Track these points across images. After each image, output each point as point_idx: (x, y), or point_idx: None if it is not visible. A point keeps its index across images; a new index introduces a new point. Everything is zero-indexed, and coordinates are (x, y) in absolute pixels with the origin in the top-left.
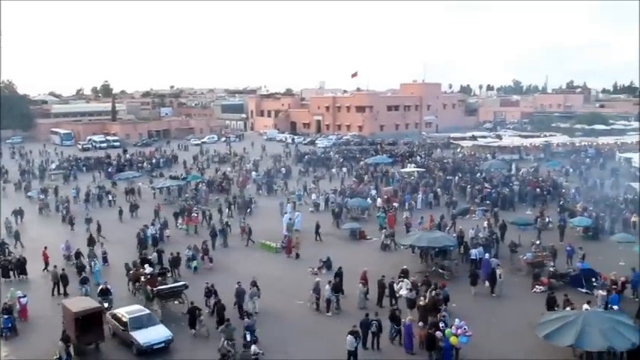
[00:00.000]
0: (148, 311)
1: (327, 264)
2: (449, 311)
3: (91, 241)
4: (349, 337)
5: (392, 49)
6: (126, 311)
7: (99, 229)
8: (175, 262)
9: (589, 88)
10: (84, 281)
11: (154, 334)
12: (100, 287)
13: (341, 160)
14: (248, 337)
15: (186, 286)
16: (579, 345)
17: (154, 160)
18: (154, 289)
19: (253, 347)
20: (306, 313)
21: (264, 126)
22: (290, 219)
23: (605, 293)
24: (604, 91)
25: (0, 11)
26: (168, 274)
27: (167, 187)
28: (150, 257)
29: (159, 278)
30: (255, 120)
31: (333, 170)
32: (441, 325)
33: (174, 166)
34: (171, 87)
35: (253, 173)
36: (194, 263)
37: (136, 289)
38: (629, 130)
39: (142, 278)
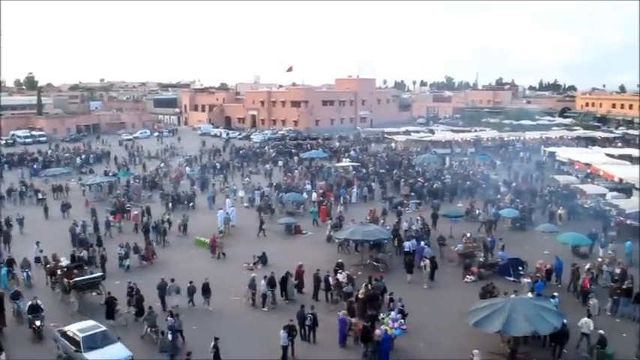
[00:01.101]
0: (103, 328)
1: (263, 259)
2: (384, 304)
3: (6, 239)
4: (282, 332)
5: (326, 44)
6: (78, 329)
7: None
8: (102, 260)
9: (517, 85)
10: (15, 297)
11: (111, 355)
12: (30, 304)
13: (274, 154)
14: (170, 337)
15: (103, 277)
16: (506, 331)
17: (83, 156)
18: (71, 281)
19: (213, 343)
20: (242, 309)
21: (198, 121)
22: (227, 214)
23: (530, 281)
24: (530, 88)
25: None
26: (85, 267)
27: (97, 183)
28: (80, 255)
29: (75, 271)
30: (188, 114)
31: (267, 166)
32: (381, 315)
33: (105, 162)
34: (102, 80)
35: (187, 169)
36: (126, 262)
37: (53, 282)
38: (553, 126)
39: (59, 271)
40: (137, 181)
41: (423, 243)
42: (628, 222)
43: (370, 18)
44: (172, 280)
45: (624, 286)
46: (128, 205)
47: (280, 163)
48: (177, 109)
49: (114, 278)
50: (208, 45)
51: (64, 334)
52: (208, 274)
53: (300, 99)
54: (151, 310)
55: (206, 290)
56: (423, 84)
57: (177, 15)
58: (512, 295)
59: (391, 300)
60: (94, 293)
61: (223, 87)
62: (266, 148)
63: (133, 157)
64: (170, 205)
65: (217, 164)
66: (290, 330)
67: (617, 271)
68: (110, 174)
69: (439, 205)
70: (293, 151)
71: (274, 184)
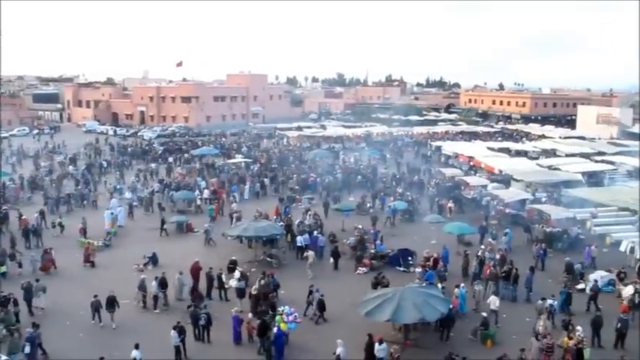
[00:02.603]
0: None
1: (154, 259)
2: (279, 298)
3: None
4: (173, 332)
5: (217, 40)
6: None
7: None
8: None
9: (405, 82)
10: None
11: None
12: None
13: (160, 152)
14: (27, 350)
15: None
16: (395, 319)
17: None
18: None
19: (134, 352)
20: (132, 312)
21: (83, 117)
22: (112, 214)
23: (420, 270)
24: (418, 84)
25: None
26: None
27: None
28: None
29: None
30: (72, 111)
31: (153, 165)
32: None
33: None
34: None
35: (70, 167)
36: (2, 269)
37: None
38: (439, 121)
39: None
40: (13, 182)
41: (315, 233)
42: (507, 211)
43: (259, 14)
44: (37, 280)
45: (504, 271)
46: (5, 207)
47: (170, 160)
48: (59, 105)
49: None
50: (93, 37)
51: None
52: (95, 277)
53: (190, 94)
54: (7, 310)
55: (111, 304)
56: (314, 80)
57: (57, 5)
58: (424, 284)
59: (310, 292)
60: None
61: (110, 82)
62: (155, 145)
63: (9, 156)
64: (68, 205)
65: (104, 162)
66: (180, 330)
67: (498, 257)
68: None
69: (338, 198)
70: (183, 147)
71: (165, 181)
